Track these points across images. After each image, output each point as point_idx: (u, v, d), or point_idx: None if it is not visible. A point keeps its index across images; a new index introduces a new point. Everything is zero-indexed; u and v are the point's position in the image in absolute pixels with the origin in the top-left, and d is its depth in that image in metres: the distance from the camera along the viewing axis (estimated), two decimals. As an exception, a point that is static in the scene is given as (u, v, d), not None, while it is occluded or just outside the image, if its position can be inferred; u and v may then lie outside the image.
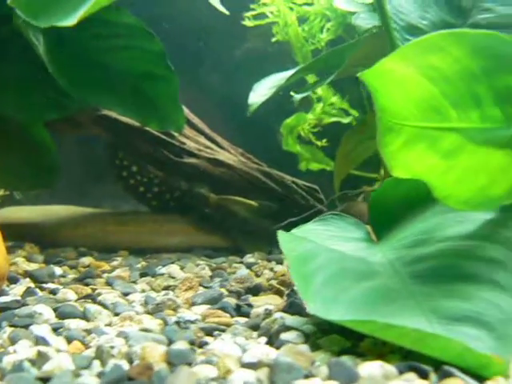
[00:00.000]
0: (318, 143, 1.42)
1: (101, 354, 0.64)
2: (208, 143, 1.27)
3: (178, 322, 0.75)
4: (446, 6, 0.88)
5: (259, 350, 0.63)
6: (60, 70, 1.03)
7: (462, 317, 0.65)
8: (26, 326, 0.72)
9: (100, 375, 0.59)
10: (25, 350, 0.63)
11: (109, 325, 0.75)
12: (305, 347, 0.65)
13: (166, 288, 0.94)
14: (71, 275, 1.00)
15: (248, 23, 1.47)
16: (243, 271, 1.05)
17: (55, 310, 0.78)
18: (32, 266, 1.05)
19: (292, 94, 1.18)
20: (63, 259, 1.12)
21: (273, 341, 0.68)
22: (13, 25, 0.97)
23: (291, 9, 1.42)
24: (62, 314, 0.77)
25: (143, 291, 0.92)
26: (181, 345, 0.66)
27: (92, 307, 0.79)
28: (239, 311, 0.80)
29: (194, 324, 0.74)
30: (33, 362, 0.61)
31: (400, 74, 0.69)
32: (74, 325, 0.73)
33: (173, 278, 1.01)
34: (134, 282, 0.97)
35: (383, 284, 0.69)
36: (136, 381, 0.57)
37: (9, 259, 0.87)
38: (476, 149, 0.71)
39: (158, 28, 1.27)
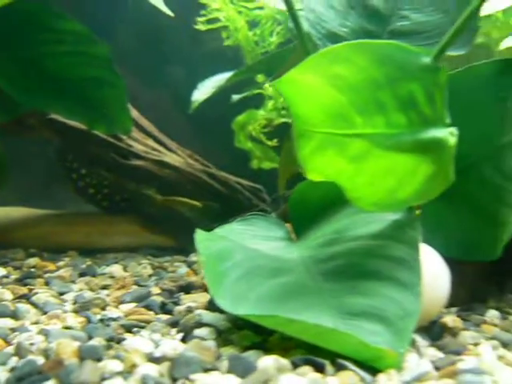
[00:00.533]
0: (269, 143, 1.45)
1: (19, 351, 0.67)
2: (156, 145, 1.30)
3: (101, 320, 0.78)
4: (365, 14, 0.91)
5: (169, 345, 0.67)
6: (4, 75, 1.06)
7: (364, 312, 0.68)
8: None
9: (12, 370, 0.62)
10: None
11: (35, 323, 0.78)
12: (212, 343, 0.68)
13: (104, 287, 0.97)
14: (14, 276, 1.03)
15: (201, 27, 1.50)
16: (183, 270, 1.09)
17: (-12, 309, 0.81)
18: (-24, 267, 1.08)
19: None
20: (10, 260, 1.15)
21: (187, 337, 0.71)
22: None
23: (241, 12, 1.45)
24: (-8, 314, 0.80)
25: (80, 290, 0.95)
26: (97, 341, 0.69)
27: (23, 306, 0.82)
28: (164, 309, 0.83)
29: (115, 321, 0.77)
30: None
31: (308, 83, 0.72)
32: (1, 323, 0.76)
33: (112, 277, 1.04)
34: (73, 282, 1.01)
35: (294, 281, 0.73)
36: (45, 375, 0.60)
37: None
38: (382, 153, 0.75)
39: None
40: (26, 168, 1.35)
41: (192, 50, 1.76)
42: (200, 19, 1.49)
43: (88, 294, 0.91)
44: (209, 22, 1.54)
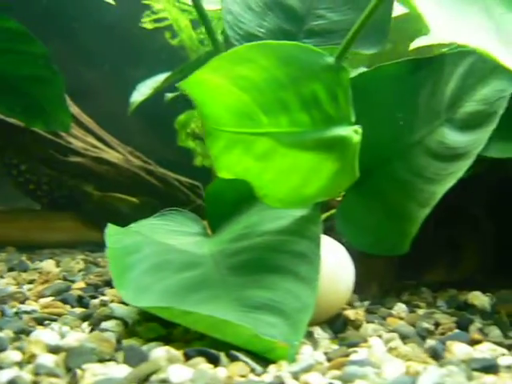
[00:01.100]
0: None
1: None
2: (95, 142, 1.32)
3: (16, 313, 0.80)
4: (282, 14, 0.93)
5: (73, 337, 0.69)
6: None
7: (263, 305, 0.70)
8: None
9: None
10: None
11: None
12: (114, 334, 0.70)
13: (30, 282, 0.99)
14: None
15: (148, 26, 1.52)
16: (115, 265, 1.10)
17: None
18: None
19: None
20: None
21: (94, 329, 0.73)
22: None
23: (185, 11, 1.46)
24: None
25: (6, 285, 0.96)
26: (5, 333, 0.71)
27: None
28: (81, 302, 0.85)
29: (29, 314, 0.79)
30: None
31: (214, 84, 0.74)
32: None
33: (41, 272, 1.06)
34: (1, 277, 1.02)
35: (201, 275, 0.75)
36: None
37: None
38: (287, 151, 0.77)
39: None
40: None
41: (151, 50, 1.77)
42: (145, 19, 1.50)
43: (11, 289, 0.93)
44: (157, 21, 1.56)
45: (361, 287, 0.91)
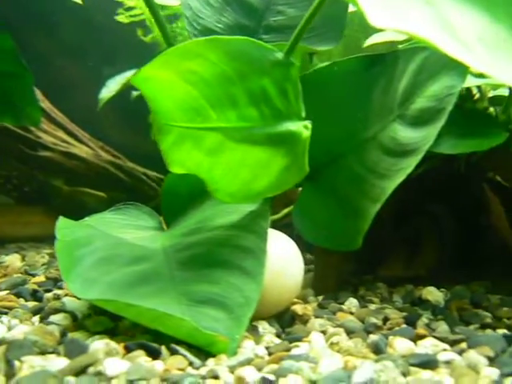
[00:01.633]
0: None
1: None
2: (66, 137, 1.32)
3: (-33, 306, 0.80)
4: (241, 10, 0.94)
5: (20, 329, 0.69)
6: None
7: (209, 299, 0.71)
8: None
9: None
10: None
11: None
12: (59, 328, 0.70)
13: (-9, 276, 0.99)
14: None
15: (123, 19, 1.52)
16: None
17: None
18: None
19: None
20: None
21: (43, 322, 0.74)
22: None
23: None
24: None
25: (-33, 279, 0.97)
26: (-49, 326, 0.71)
27: None
28: (35, 296, 0.86)
29: (-21, 308, 0.79)
30: None
31: (163, 79, 0.74)
32: None
33: (5, 266, 1.06)
34: (-39, 272, 1.03)
35: (150, 268, 0.75)
36: None
37: None
38: (236, 146, 0.77)
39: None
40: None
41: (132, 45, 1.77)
42: (120, 16, 1.50)
43: (-32, 282, 0.93)
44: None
45: (317, 282, 0.92)
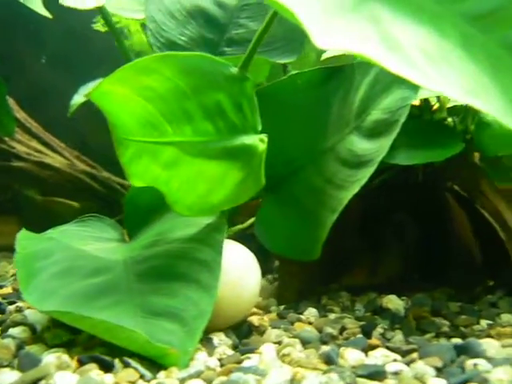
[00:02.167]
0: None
1: None
2: (40, 147, 1.33)
3: None
4: (204, 23, 0.95)
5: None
6: None
7: (164, 312, 0.72)
8: None
9: None
10: None
11: None
12: (13, 341, 0.71)
13: (-46, 285, 1.00)
14: None
15: (100, 28, 1.53)
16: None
17: None
18: None
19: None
20: None
21: (2, 335, 0.75)
22: None
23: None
24: None
25: None
26: None
27: None
28: (-2, 308, 0.87)
29: None
30: None
31: (119, 94, 0.75)
32: None
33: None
34: None
35: (109, 280, 0.76)
36: None
37: None
38: (192, 160, 0.78)
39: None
40: None
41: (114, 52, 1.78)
42: (97, 24, 1.52)
43: None
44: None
45: (280, 291, 0.93)
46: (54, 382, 0.60)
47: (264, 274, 1.03)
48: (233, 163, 0.78)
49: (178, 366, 0.66)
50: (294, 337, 0.77)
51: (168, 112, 0.77)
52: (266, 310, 0.87)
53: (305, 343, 0.75)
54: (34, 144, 1.34)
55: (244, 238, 0.94)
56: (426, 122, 0.88)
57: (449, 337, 0.77)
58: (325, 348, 0.71)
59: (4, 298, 0.91)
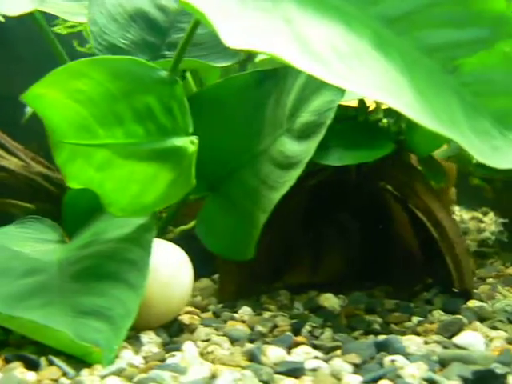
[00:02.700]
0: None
1: None
2: (-6, 150, 1.33)
3: None
4: (146, 26, 0.96)
5: None
6: None
7: (93, 311, 0.74)
8: None
9: None
10: None
11: None
12: None
13: None
14: None
15: (62, 31, 1.54)
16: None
17: None
18: None
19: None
20: None
21: None
22: None
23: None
24: None
25: None
26: None
27: None
28: None
29: None
30: None
31: (52, 98, 0.77)
32: None
33: None
34: None
35: (42, 281, 0.77)
36: None
37: None
38: (124, 162, 0.80)
39: None
40: None
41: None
42: (58, 27, 1.52)
43: None
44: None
45: (219, 290, 0.95)
46: (-24, 380, 0.61)
47: (211, 273, 1.05)
48: (163, 165, 0.79)
49: (102, 363, 0.67)
50: (224, 335, 0.78)
51: (99, 115, 0.78)
52: (203, 309, 0.89)
53: (233, 341, 0.76)
54: (-12, 147, 1.34)
55: (189, 238, 0.95)
56: (359, 123, 0.90)
57: (377, 334, 0.78)
58: (249, 346, 0.73)
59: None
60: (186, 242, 0.93)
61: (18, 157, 1.28)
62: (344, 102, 0.92)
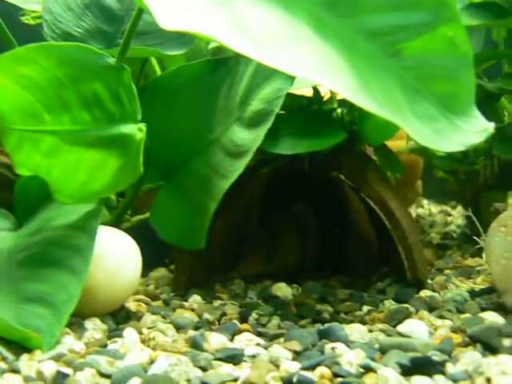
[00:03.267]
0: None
1: None
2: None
3: None
4: (100, 15, 0.96)
5: None
6: None
7: (36, 297, 0.74)
8: None
9: None
10: None
11: None
12: None
13: None
14: None
15: (30, 21, 1.53)
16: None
17: None
18: None
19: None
20: None
21: None
22: None
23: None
24: None
25: None
26: None
27: None
28: None
29: None
30: None
31: (-1, 84, 0.76)
32: None
33: None
34: None
35: (-11, 270, 0.77)
36: None
37: None
38: (71, 148, 0.80)
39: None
40: None
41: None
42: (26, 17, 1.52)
43: None
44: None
45: (173, 279, 0.95)
46: None
47: (169, 263, 1.05)
48: (111, 151, 0.79)
49: (42, 348, 0.67)
50: (170, 322, 0.78)
51: (46, 101, 0.78)
52: (155, 297, 0.89)
53: (178, 329, 0.76)
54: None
55: (146, 227, 0.95)
56: (312, 112, 0.90)
57: (325, 323, 0.78)
58: (191, 333, 0.73)
59: None
60: (143, 232, 0.93)
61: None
62: (299, 92, 0.92)
